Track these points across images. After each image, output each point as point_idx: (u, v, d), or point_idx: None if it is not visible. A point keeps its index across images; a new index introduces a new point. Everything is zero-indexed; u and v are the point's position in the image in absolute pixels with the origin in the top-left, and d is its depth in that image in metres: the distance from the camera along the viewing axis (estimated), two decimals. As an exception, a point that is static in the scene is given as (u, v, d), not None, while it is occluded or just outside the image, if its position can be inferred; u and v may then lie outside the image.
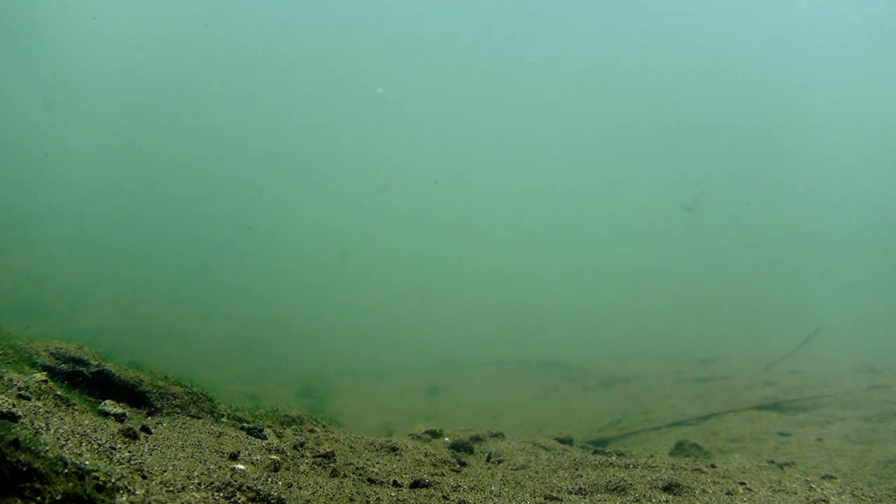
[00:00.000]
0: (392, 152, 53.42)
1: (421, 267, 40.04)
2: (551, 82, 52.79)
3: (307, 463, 3.12)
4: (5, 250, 19.55)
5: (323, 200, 47.86)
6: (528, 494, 3.07)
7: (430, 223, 48.16)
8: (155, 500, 1.88)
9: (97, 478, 1.84)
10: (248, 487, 2.14)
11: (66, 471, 1.74)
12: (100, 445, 2.33)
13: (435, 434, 4.97)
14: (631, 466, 3.90)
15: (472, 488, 3.06)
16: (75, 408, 2.79)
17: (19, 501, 1.51)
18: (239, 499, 2.07)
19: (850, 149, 47.82)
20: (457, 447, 4.38)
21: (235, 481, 2.17)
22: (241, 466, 2.62)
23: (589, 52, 50.45)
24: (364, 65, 51.79)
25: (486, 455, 4.34)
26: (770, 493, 3.30)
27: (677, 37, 47.60)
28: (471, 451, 4.40)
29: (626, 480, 3.37)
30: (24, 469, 1.57)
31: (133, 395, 3.41)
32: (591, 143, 53.26)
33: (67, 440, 2.27)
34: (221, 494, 2.06)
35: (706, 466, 4.00)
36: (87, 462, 1.97)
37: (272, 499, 2.11)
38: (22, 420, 2.32)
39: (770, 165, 48.02)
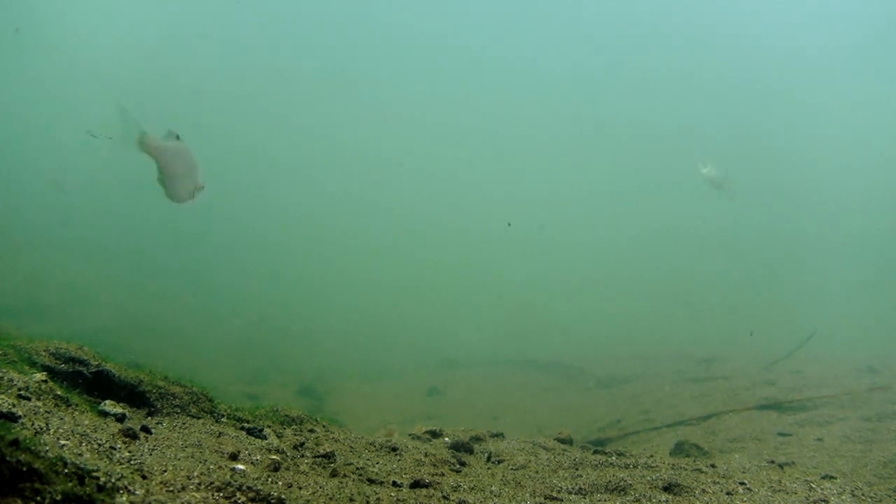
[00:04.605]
0: (395, 151, 53.45)
1: (421, 267, 40.04)
2: (557, 86, 52.82)
3: (307, 463, 3.12)
4: (5, 250, 19.55)
5: (322, 200, 47.86)
6: (528, 494, 3.07)
7: (430, 223, 48.16)
8: (155, 499, 1.87)
9: (97, 478, 1.84)
10: (248, 487, 2.13)
11: (66, 471, 1.74)
12: (100, 445, 2.33)
13: (435, 434, 4.98)
14: (631, 466, 3.90)
15: (472, 488, 3.06)
16: (75, 408, 2.79)
17: (19, 501, 1.51)
18: (239, 499, 2.07)
19: (850, 150, 47.84)
20: (457, 447, 4.38)
21: (235, 481, 2.17)
22: (241, 466, 2.63)
23: (588, 55, 50.48)
24: (363, 63, 51.80)
25: (487, 455, 4.34)
26: (770, 493, 3.30)
27: (675, 39, 47.62)
28: (471, 451, 4.40)
29: (626, 480, 3.37)
30: (24, 469, 1.57)
31: (133, 395, 3.41)
32: (592, 145, 53.29)
33: (67, 440, 2.27)
34: (221, 494, 2.06)
35: (706, 466, 4.00)
36: (87, 462, 1.97)
37: (272, 499, 2.11)
38: (22, 420, 2.32)
39: (770, 167, 48.05)
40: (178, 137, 3.99)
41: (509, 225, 36.78)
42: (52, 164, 36.81)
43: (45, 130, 40.76)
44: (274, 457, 2.95)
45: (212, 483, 2.12)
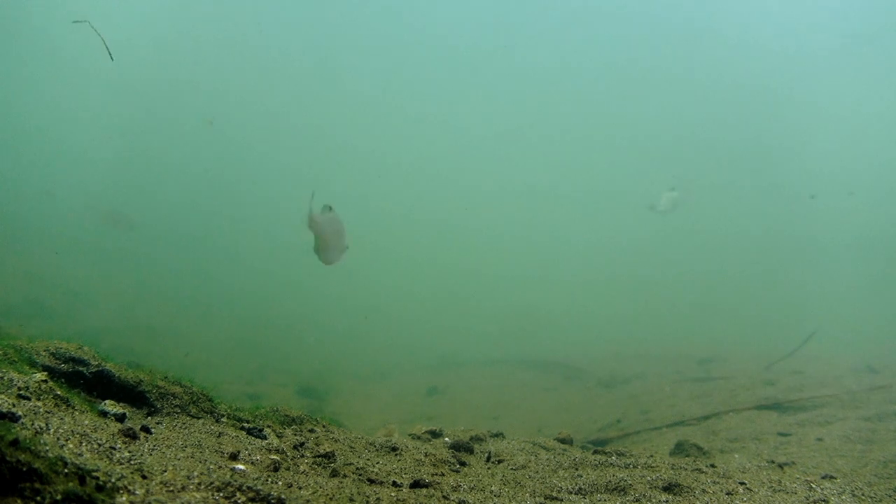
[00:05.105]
0: (390, 150, 53.44)
1: (421, 267, 40.04)
2: (552, 84, 52.81)
3: (307, 463, 3.12)
4: (5, 250, 19.56)
5: (321, 200, 47.78)
6: (528, 494, 3.07)
7: (429, 224, 48.16)
8: (155, 499, 1.87)
9: (97, 478, 1.84)
10: (248, 487, 2.13)
11: (66, 471, 1.74)
12: (100, 445, 2.33)
13: (435, 434, 4.98)
14: (631, 466, 3.90)
15: (472, 488, 3.06)
16: (75, 408, 2.79)
17: (19, 501, 1.51)
18: (239, 499, 2.07)
19: (850, 151, 47.83)
20: (457, 447, 4.38)
21: (235, 481, 2.17)
22: (241, 466, 2.63)
23: (587, 56, 50.50)
24: (361, 62, 51.84)
25: (487, 455, 4.34)
26: (770, 493, 3.30)
27: (673, 39, 47.63)
28: (471, 451, 4.40)
29: (626, 480, 3.37)
30: (24, 469, 1.57)
31: (133, 395, 3.41)
32: (590, 145, 53.29)
33: (67, 440, 2.27)
34: (221, 494, 2.06)
35: (706, 466, 4.00)
36: (87, 462, 1.97)
37: (272, 499, 2.11)
38: (22, 420, 2.32)
39: (769, 168, 48.05)
40: (330, 209, 4.23)
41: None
42: (51, 164, 36.80)
43: (44, 131, 40.78)
44: (274, 457, 2.95)
45: (212, 483, 2.11)
